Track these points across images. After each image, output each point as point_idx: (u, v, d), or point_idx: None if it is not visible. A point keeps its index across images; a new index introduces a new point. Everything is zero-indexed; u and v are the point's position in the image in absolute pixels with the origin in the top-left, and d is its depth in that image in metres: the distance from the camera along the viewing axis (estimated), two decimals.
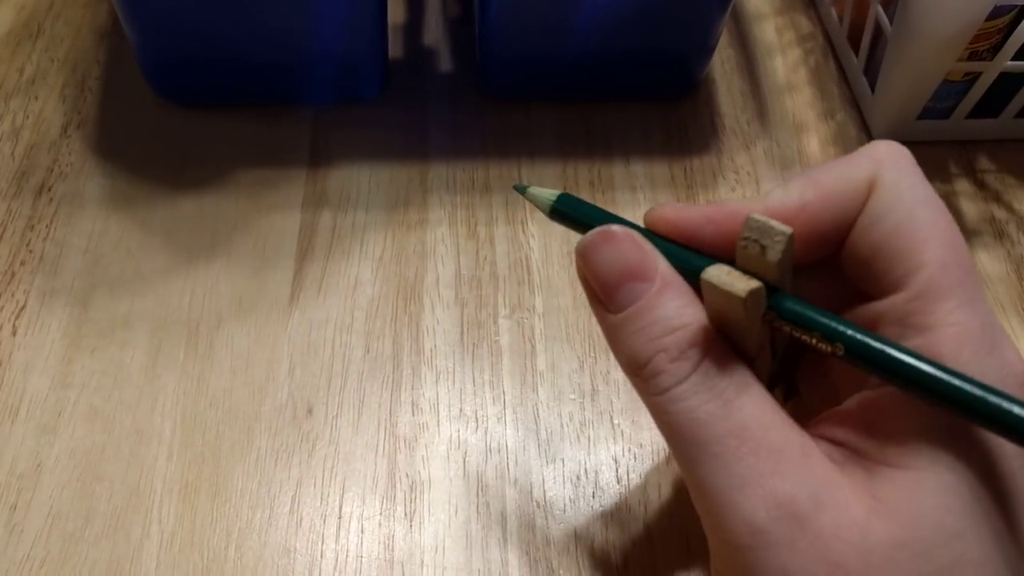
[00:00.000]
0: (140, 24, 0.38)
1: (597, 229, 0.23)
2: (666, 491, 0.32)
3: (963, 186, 0.41)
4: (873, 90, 0.42)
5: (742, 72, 0.45)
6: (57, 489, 0.31)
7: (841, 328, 0.21)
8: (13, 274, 0.36)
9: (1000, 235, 0.40)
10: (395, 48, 0.44)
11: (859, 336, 0.21)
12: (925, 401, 0.20)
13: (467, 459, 0.33)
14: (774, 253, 0.21)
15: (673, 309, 0.22)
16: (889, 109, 0.41)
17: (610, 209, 0.39)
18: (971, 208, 0.41)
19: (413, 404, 0.34)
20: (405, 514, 0.31)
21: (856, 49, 0.44)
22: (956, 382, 0.20)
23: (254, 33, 0.38)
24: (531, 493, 0.32)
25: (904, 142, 0.43)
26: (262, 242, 0.38)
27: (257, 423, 0.33)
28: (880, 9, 0.40)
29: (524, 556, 0.31)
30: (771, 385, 0.27)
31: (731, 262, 0.22)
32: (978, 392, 0.19)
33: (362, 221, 0.39)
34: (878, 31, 0.41)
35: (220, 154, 0.40)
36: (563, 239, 0.38)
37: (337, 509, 0.32)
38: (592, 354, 0.35)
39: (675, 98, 0.44)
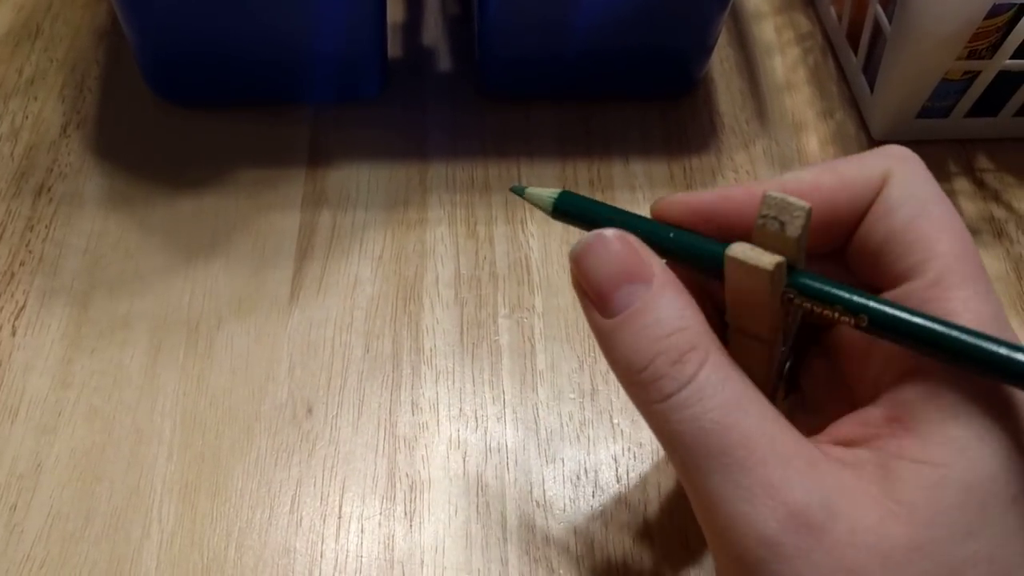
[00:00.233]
0: (139, 24, 0.38)
1: (590, 233, 0.23)
2: (666, 490, 0.32)
3: (962, 185, 0.42)
4: (872, 89, 0.42)
5: (741, 71, 0.45)
6: (57, 489, 0.31)
7: (863, 299, 0.21)
8: (13, 274, 0.36)
9: (999, 234, 0.40)
10: (394, 47, 0.45)
11: (883, 306, 0.21)
12: (952, 363, 0.20)
13: (467, 459, 0.33)
14: (793, 229, 0.21)
15: (672, 310, 0.22)
16: (888, 108, 0.41)
17: None
18: (970, 207, 0.41)
19: (413, 404, 0.34)
20: (405, 514, 0.31)
21: (855, 48, 0.44)
22: (983, 343, 0.20)
23: (253, 33, 0.38)
24: (531, 492, 0.32)
25: (903, 141, 0.43)
26: (262, 242, 0.38)
27: (257, 423, 0.33)
28: (879, 8, 0.40)
29: (524, 555, 0.31)
30: (780, 375, 0.27)
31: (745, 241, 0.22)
32: (1005, 350, 0.20)
33: (361, 220, 0.39)
34: (877, 30, 0.41)
35: (219, 154, 0.40)
36: (563, 239, 0.38)
37: (337, 509, 0.32)
38: (592, 354, 0.35)
39: (674, 97, 0.44)
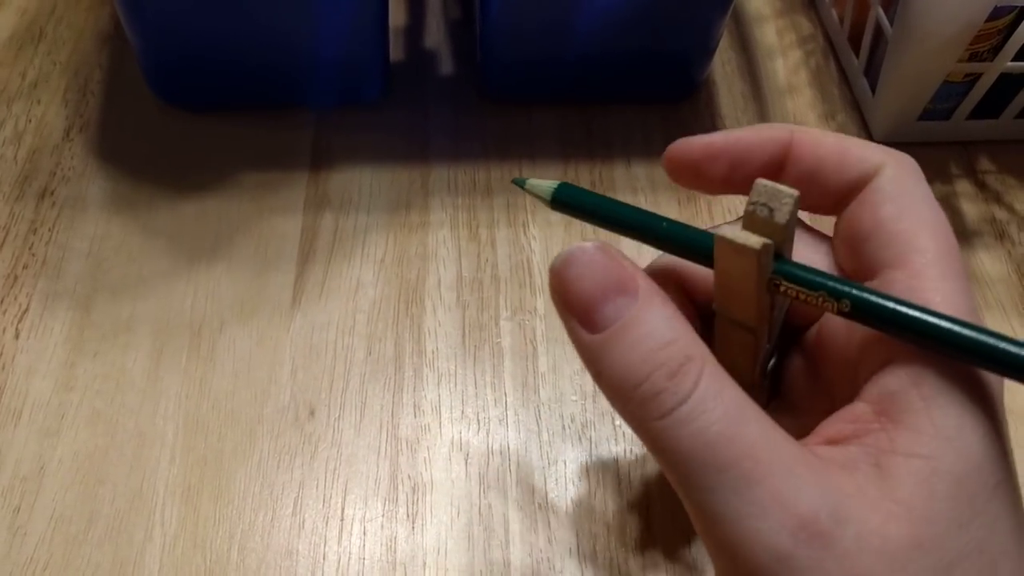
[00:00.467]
0: (142, 28, 0.38)
1: (573, 245, 0.22)
2: (668, 492, 0.32)
3: (964, 187, 0.42)
4: (874, 91, 0.42)
5: (743, 74, 0.45)
6: (60, 492, 0.32)
7: (847, 286, 0.21)
8: (16, 278, 0.37)
9: (1001, 236, 0.40)
10: (396, 51, 0.45)
11: (865, 292, 0.21)
12: (931, 348, 0.21)
13: (469, 461, 0.33)
14: (782, 215, 0.21)
15: (662, 321, 0.21)
16: (890, 110, 0.41)
17: None
18: (972, 209, 0.41)
19: (415, 406, 0.34)
20: (407, 516, 0.32)
21: (857, 50, 0.44)
22: (963, 329, 0.20)
23: (255, 36, 0.39)
24: (533, 495, 0.32)
25: (905, 143, 0.43)
26: (264, 245, 0.38)
27: (259, 425, 0.33)
28: (880, 10, 0.40)
29: (526, 558, 0.31)
30: (765, 371, 0.27)
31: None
32: (984, 336, 0.20)
33: (364, 224, 0.39)
34: (878, 32, 0.41)
35: (222, 157, 0.40)
36: (564, 241, 0.38)
37: (339, 511, 0.32)
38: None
39: (676, 100, 0.44)
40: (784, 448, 0.20)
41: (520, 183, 0.26)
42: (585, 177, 0.41)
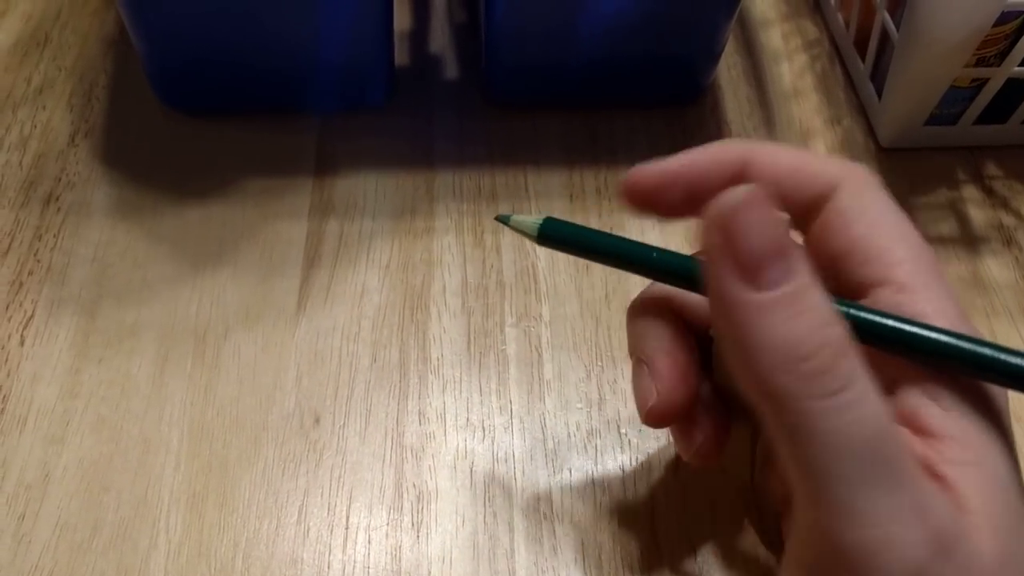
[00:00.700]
0: (146, 33, 0.38)
1: (739, 190, 0.19)
2: (674, 501, 0.32)
3: (970, 192, 0.41)
4: (880, 96, 0.42)
5: (748, 79, 0.45)
6: (65, 499, 0.32)
7: (844, 308, 0.22)
8: (21, 284, 0.37)
9: (1008, 242, 0.40)
10: (401, 56, 0.45)
11: (865, 313, 0.21)
12: (935, 364, 0.21)
13: (474, 469, 0.33)
14: None
15: (826, 300, 0.19)
16: (896, 115, 0.41)
17: (616, 215, 0.39)
18: (979, 215, 0.41)
19: (420, 413, 0.34)
20: (412, 524, 0.31)
21: (863, 55, 0.44)
22: (966, 344, 0.21)
23: (260, 41, 0.39)
24: (538, 503, 0.32)
25: (911, 148, 0.43)
26: (269, 251, 0.38)
27: (264, 432, 0.33)
28: (887, 15, 0.40)
29: (532, 566, 0.31)
30: None
31: None
32: (990, 351, 0.21)
33: (368, 229, 0.39)
34: (885, 37, 0.41)
35: (226, 163, 0.40)
36: None
37: (344, 519, 0.32)
38: (599, 363, 0.35)
39: (681, 105, 0.44)
40: (915, 453, 0.20)
41: (504, 220, 0.26)
42: (590, 183, 0.41)
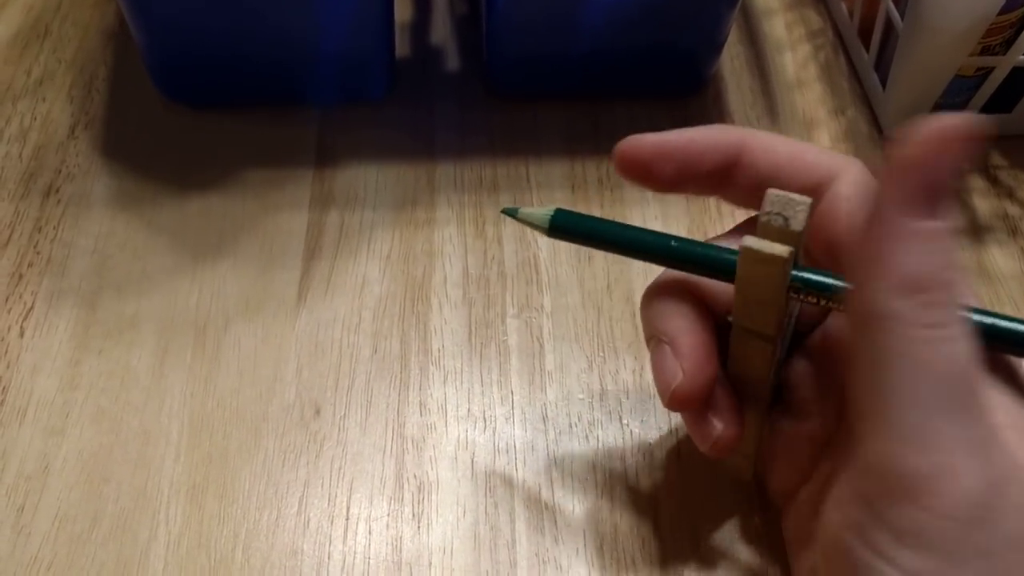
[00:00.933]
0: (146, 25, 0.38)
1: (937, 124, 0.20)
2: (676, 491, 0.32)
3: (975, 182, 0.41)
4: (884, 86, 0.42)
5: (751, 69, 0.45)
6: (64, 491, 0.31)
7: None
8: (21, 276, 0.36)
9: (1013, 231, 0.39)
10: (402, 47, 0.44)
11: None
12: None
13: (475, 460, 0.33)
14: (797, 223, 0.22)
15: (953, 246, 0.20)
16: (900, 105, 0.41)
17: (618, 205, 0.39)
18: (983, 204, 0.40)
19: (421, 404, 0.34)
20: (413, 515, 0.31)
21: (867, 44, 0.43)
22: (986, 318, 0.22)
23: (260, 33, 0.38)
24: (540, 494, 0.32)
25: None
26: (269, 242, 0.38)
27: (264, 424, 0.33)
28: (891, 4, 0.40)
29: (533, 557, 0.30)
30: (778, 376, 0.27)
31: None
32: (1005, 322, 0.22)
33: (369, 220, 0.39)
34: (889, 26, 0.40)
35: (227, 154, 0.40)
36: None
37: (344, 510, 0.31)
38: (601, 353, 0.35)
39: (684, 95, 0.43)
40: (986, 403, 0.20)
41: (511, 212, 0.26)
42: (592, 173, 0.40)
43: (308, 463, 0.32)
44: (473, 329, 0.36)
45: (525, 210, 0.26)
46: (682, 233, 0.37)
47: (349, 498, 0.32)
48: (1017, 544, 0.19)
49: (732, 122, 0.43)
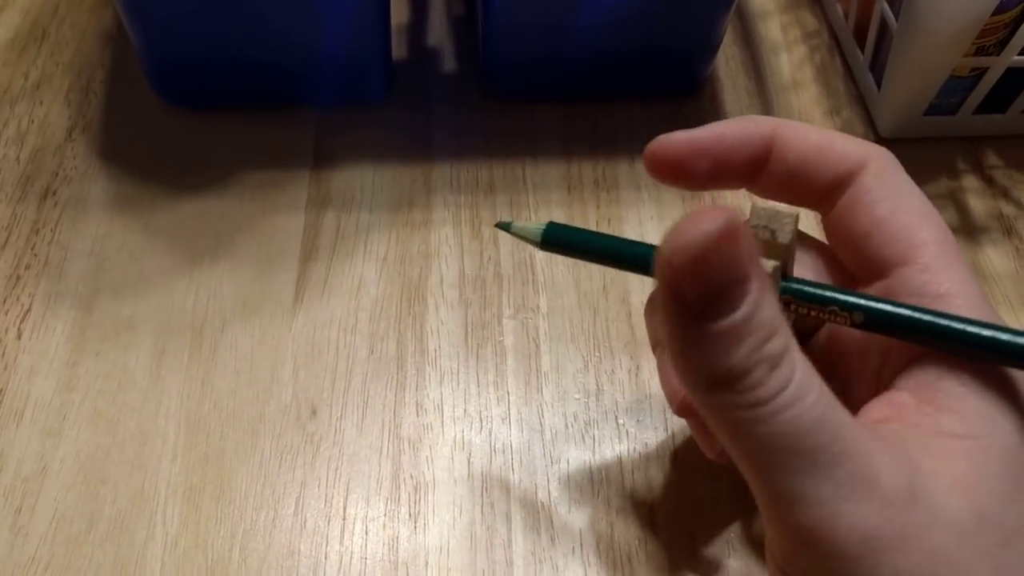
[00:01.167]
0: (144, 28, 0.38)
1: (699, 225, 0.18)
2: (672, 491, 0.32)
3: (971, 182, 0.41)
4: (879, 87, 0.42)
5: (747, 70, 0.45)
6: (61, 492, 0.31)
7: (857, 298, 0.22)
8: (18, 278, 0.37)
9: (1008, 231, 0.40)
10: (399, 49, 0.44)
11: (877, 303, 0.22)
12: (946, 350, 0.21)
13: (471, 460, 0.33)
14: (784, 235, 0.22)
15: (771, 311, 0.19)
16: (895, 105, 0.41)
17: (614, 206, 0.39)
18: (979, 204, 0.40)
19: (417, 405, 0.34)
20: (409, 515, 0.31)
21: (862, 46, 0.43)
22: (978, 330, 0.21)
23: (257, 36, 0.38)
24: (536, 494, 0.32)
25: (911, 139, 0.43)
26: (266, 244, 0.38)
27: (261, 425, 0.33)
28: (886, 5, 0.40)
29: (529, 556, 0.30)
30: None
31: None
32: (1006, 336, 0.21)
33: (366, 222, 0.39)
34: (884, 27, 0.40)
35: (224, 157, 0.40)
36: None
37: (341, 511, 0.31)
38: (597, 354, 0.35)
39: (680, 97, 0.44)
40: (859, 428, 0.20)
41: (505, 227, 0.26)
42: (588, 174, 0.40)
43: (305, 464, 0.32)
44: (469, 330, 0.36)
45: (518, 224, 0.26)
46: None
47: (346, 498, 0.32)
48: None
49: None
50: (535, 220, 0.39)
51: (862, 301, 0.22)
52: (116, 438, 0.33)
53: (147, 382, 0.34)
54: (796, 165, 0.25)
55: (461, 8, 0.46)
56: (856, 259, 0.24)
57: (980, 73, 0.39)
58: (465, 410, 0.34)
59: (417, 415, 0.34)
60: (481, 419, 0.34)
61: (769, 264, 0.22)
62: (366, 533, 0.31)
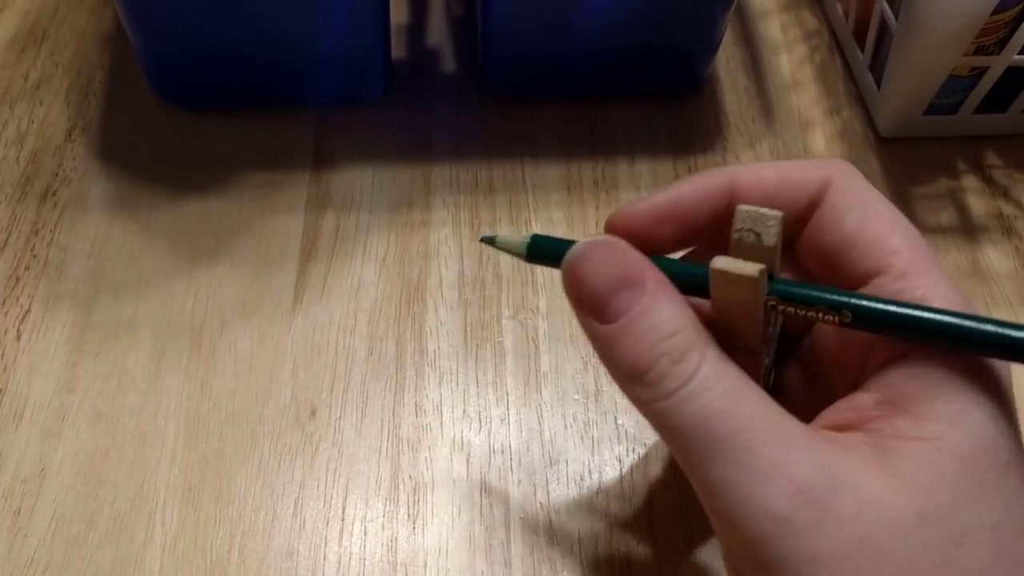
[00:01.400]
0: (143, 28, 0.38)
1: (584, 241, 0.23)
2: (670, 491, 0.32)
3: (970, 182, 0.41)
4: (879, 86, 0.42)
5: (747, 69, 0.45)
6: (61, 493, 0.31)
7: (844, 296, 0.22)
8: (18, 279, 0.37)
9: (1008, 231, 0.39)
10: (398, 49, 0.44)
11: (863, 300, 0.22)
12: (934, 344, 0.21)
13: (470, 461, 0.33)
14: (769, 238, 0.22)
15: (670, 313, 0.22)
16: (895, 105, 0.41)
17: (614, 207, 0.39)
18: (979, 204, 0.40)
19: (416, 406, 0.34)
20: (408, 516, 0.31)
21: (862, 45, 0.43)
22: (965, 321, 0.21)
23: (257, 36, 0.38)
24: (535, 494, 0.32)
25: (910, 138, 0.43)
26: (265, 244, 0.38)
27: (260, 425, 0.33)
28: (885, 4, 0.40)
29: (528, 557, 0.30)
30: (767, 386, 0.27)
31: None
32: (990, 326, 0.21)
33: (365, 222, 0.39)
34: (883, 27, 0.40)
35: (223, 157, 0.40)
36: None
37: (340, 511, 0.31)
38: (596, 354, 0.35)
39: (679, 96, 0.44)
40: (783, 423, 0.21)
41: (490, 241, 0.26)
42: (588, 174, 0.40)
43: (304, 464, 0.32)
44: (469, 331, 0.36)
45: (503, 238, 0.26)
46: None
47: (345, 499, 0.32)
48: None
49: (728, 123, 0.43)
50: (535, 221, 0.39)
51: (849, 299, 0.22)
52: (115, 439, 0.33)
53: (146, 383, 0.34)
54: (761, 204, 0.25)
55: (460, 8, 0.46)
56: (831, 277, 0.24)
57: (980, 72, 0.39)
58: (464, 411, 0.34)
59: (416, 416, 0.34)
60: (480, 420, 0.34)
61: (755, 267, 0.21)
62: (365, 534, 0.31)
